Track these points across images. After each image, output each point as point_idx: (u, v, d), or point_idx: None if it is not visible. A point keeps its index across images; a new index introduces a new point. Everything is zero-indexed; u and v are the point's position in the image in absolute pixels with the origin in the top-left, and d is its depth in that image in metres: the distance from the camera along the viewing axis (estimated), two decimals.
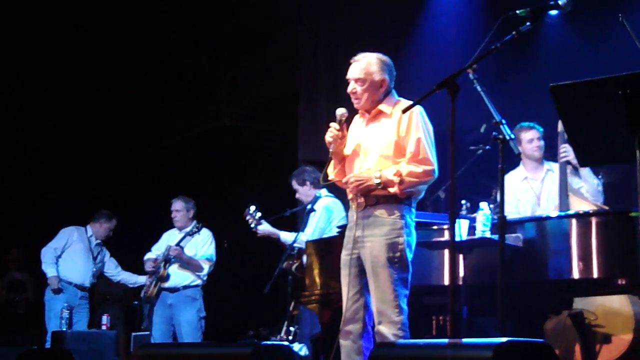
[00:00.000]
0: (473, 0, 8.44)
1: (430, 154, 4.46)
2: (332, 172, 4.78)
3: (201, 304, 7.89)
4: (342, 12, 9.36)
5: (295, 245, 6.91)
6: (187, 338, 7.62)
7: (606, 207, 5.70)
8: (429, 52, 8.44)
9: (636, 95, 3.29)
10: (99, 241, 8.82)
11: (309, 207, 7.14)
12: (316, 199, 7.09)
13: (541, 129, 6.17)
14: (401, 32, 8.80)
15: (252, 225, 6.98)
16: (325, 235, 6.76)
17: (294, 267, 7.02)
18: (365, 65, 4.60)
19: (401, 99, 4.67)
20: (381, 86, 4.61)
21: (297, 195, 7.27)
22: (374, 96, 4.62)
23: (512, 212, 5.94)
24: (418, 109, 4.48)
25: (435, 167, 4.47)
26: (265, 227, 7.00)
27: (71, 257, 8.61)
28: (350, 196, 4.64)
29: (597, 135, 3.54)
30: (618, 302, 5.56)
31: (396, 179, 4.41)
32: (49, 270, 8.49)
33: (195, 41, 9.79)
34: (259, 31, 9.87)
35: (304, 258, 6.88)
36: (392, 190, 4.44)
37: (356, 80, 4.62)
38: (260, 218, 6.98)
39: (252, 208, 7.04)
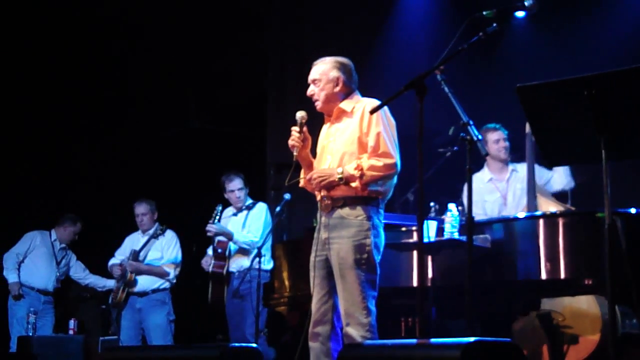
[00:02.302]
0: (440, 1, 8.48)
1: (391, 147, 4.46)
2: (302, 178, 4.78)
3: (170, 308, 7.84)
4: (310, 14, 9.36)
5: (244, 246, 6.97)
6: (157, 342, 7.56)
7: (572, 208, 5.75)
8: (397, 54, 8.47)
9: (601, 96, 3.31)
10: (63, 245, 8.74)
11: (244, 210, 7.26)
12: (254, 202, 7.31)
13: (506, 131, 6.21)
14: (369, 34, 8.82)
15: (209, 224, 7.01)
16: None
17: (224, 270, 7.02)
18: (321, 67, 4.68)
19: (364, 98, 4.68)
20: (337, 84, 4.64)
21: (239, 194, 7.30)
22: (331, 96, 4.65)
23: (479, 213, 5.96)
24: None
25: (397, 160, 4.47)
26: (217, 226, 7.03)
27: (34, 261, 8.53)
28: (318, 198, 4.63)
29: (564, 136, 3.55)
30: (585, 303, 5.60)
31: (357, 173, 4.41)
32: (10, 276, 8.40)
33: (163, 44, 9.73)
34: (227, 34, 9.83)
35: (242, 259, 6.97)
36: (353, 184, 4.44)
37: (313, 82, 4.69)
38: (216, 218, 7.06)
39: (219, 208, 7.13)
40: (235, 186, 7.28)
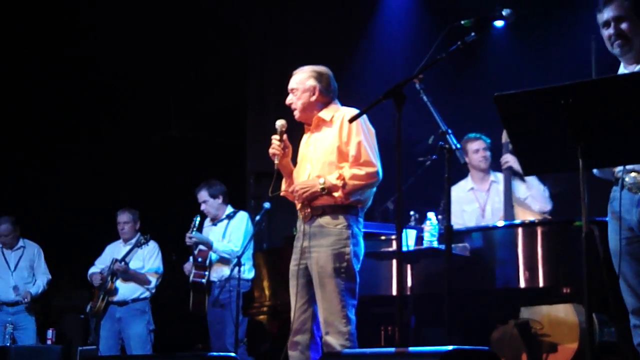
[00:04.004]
0: (420, 11, 8.52)
1: (372, 156, 4.48)
2: (284, 187, 4.78)
3: (150, 317, 7.80)
4: (290, 23, 9.38)
5: (224, 255, 6.94)
6: (137, 351, 7.52)
7: (549, 217, 5.79)
8: (377, 62, 8.50)
9: (578, 105, 3.32)
10: (19, 246, 8.53)
11: (225, 219, 7.20)
12: (235, 211, 7.23)
13: (488, 140, 6.22)
14: (350, 42, 8.86)
15: (187, 234, 6.98)
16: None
17: (204, 279, 7.00)
18: (299, 76, 4.70)
19: (343, 107, 4.69)
20: (313, 94, 4.65)
21: (204, 207, 7.24)
22: (308, 105, 4.66)
23: (458, 223, 5.97)
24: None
25: (379, 168, 4.49)
26: (196, 236, 6.99)
27: None
28: (298, 206, 4.63)
29: (541, 145, 3.56)
30: (563, 311, 5.61)
31: (339, 183, 4.43)
32: None
33: (142, 51, 9.70)
34: (207, 42, 9.83)
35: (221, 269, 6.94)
36: (336, 194, 4.45)
37: (291, 91, 4.71)
38: (194, 228, 7.02)
39: (196, 218, 7.08)
40: (200, 198, 7.25)
